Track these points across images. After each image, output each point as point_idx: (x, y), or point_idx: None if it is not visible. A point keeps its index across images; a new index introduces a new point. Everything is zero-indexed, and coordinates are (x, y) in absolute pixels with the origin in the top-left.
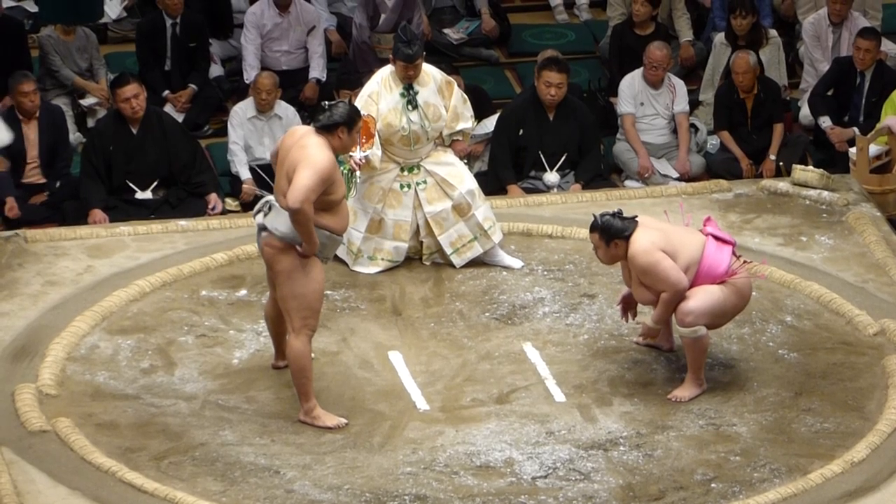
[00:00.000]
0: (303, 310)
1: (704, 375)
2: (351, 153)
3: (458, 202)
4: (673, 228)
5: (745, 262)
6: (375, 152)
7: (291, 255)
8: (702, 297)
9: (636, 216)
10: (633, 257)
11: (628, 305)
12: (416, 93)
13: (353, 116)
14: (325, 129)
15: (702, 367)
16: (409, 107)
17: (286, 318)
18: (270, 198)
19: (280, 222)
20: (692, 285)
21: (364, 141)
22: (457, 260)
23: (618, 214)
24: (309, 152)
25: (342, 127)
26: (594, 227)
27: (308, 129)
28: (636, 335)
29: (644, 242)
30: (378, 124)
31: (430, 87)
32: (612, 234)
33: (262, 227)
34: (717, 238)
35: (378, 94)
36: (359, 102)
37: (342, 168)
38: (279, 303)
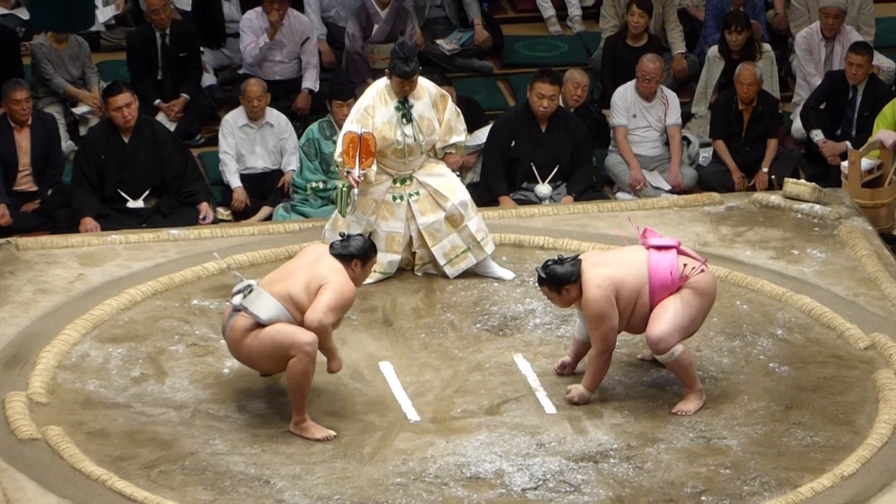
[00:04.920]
0: (289, 350)
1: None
2: (350, 169)
3: (451, 213)
4: (615, 256)
5: (685, 264)
6: (372, 168)
7: (253, 332)
8: (666, 319)
9: (578, 255)
10: (587, 304)
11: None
12: (411, 106)
13: (369, 252)
14: (341, 258)
15: (695, 378)
16: (404, 120)
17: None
18: (252, 282)
19: (260, 305)
20: (651, 304)
21: (364, 159)
22: (450, 270)
23: (559, 260)
24: (335, 277)
25: (357, 260)
26: (541, 281)
27: (325, 249)
28: (639, 353)
29: (596, 292)
30: None
31: (424, 101)
32: (560, 282)
33: (238, 308)
34: (659, 247)
35: (373, 108)
36: (354, 115)
37: (341, 185)
38: (274, 373)
